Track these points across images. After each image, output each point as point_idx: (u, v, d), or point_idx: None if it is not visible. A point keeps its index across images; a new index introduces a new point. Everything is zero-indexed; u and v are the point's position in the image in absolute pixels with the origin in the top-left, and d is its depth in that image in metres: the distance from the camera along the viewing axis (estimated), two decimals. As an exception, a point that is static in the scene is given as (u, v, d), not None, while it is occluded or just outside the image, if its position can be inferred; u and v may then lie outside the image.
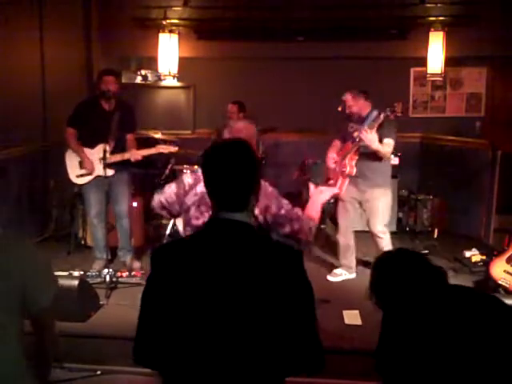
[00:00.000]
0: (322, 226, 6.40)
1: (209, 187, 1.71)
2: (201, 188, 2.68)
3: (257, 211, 2.56)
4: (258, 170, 1.73)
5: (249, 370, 1.57)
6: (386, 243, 4.78)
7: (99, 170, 4.61)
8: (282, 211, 2.58)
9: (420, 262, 1.97)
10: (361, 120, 4.70)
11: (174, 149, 4.84)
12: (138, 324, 1.66)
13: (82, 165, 4.77)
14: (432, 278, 1.92)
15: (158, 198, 2.80)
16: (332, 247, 5.26)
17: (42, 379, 1.98)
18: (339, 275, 4.88)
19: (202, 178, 2.70)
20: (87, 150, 4.74)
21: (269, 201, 2.58)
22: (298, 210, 2.68)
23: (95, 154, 4.69)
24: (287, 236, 2.61)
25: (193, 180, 2.74)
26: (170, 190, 2.75)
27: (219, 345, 1.57)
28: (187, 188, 2.73)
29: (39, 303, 1.89)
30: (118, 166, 4.71)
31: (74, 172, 4.80)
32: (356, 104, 4.72)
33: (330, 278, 4.82)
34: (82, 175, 4.78)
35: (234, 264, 1.59)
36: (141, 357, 1.67)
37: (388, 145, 4.53)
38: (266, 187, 2.63)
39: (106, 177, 4.51)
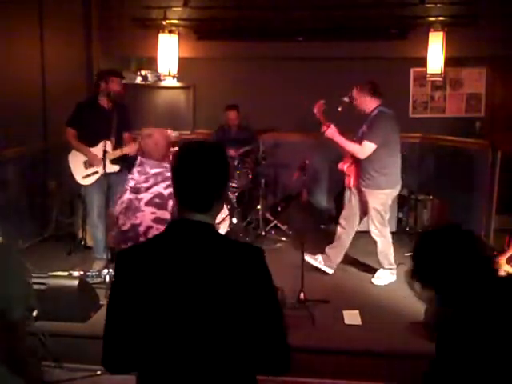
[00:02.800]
0: (322, 226, 6.40)
1: (176, 187, 1.71)
2: (127, 195, 2.90)
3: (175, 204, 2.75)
4: (227, 175, 1.74)
5: (215, 367, 1.59)
6: (380, 249, 4.77)
7: (106, 168, 4.61)
8: None
9: (469, 242, 1.84)
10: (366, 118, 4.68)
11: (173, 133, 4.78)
12: (105, 331, 1.68)
13: (86, 165, 4.78)
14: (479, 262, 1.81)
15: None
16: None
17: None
18: (315, 259, 4.88)
19: (128, 187, 2.92)
20: (90, 149, 4.76)
21: None
22: None
23: (98, 151, 4.69)
24: None
25: (120, 193, 3.00)
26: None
27: (187, 344, 1.59)
28: (116, 202, 3.01)
29: (8, 316, 1.88)
30: (119, 166, 4.73)
31: (80, 173, 4.79)
32: (359, 98, 4.66)
33: (306, 257, 4.70)
34: (88, 175, 4.78)
35: (197, 264, 1.61)
36: (111, 364, 1.68)
37: (365, 146, 4.53)
38: None
39: (106, 173, 4.51)
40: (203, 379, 1.59)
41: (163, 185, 2.82)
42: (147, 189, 2.85)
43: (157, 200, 2.79)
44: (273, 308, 1.64)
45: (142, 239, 2.75)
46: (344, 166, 4.79)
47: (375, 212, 4.66)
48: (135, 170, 2.99)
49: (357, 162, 4.70)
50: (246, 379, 1.66)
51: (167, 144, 3.00)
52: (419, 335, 3.75)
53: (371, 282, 4.78)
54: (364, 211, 4.79)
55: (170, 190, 2.75)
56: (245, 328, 1.59)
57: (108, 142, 4.62)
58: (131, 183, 2.94)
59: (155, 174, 2.85)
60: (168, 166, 2.84)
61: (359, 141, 4.62)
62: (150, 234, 2.74)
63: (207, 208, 1.68)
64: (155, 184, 2.83)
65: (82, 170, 4.79)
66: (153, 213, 2.77)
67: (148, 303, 1.61)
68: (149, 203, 2.79)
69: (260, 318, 1.60)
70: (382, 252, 4.77)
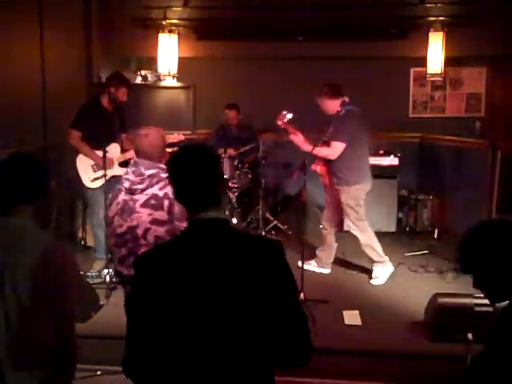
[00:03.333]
0: (320, 226, 6.40)
1: (180, 192, 1.75)
2: (122, 196, 2.87)
3: (170, 203, 2.74)
4: (220, 167, 1.83)
5: (239, 365, 1.61)
6: (363, 242, 4.78)
7: (114, 171, 4.62)
8: None
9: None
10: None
11: (179, 137, 4.76)
12: (127, 337, 1.65)
13: (94, 168, 4.78)
14: None
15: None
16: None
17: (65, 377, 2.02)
18: (309, 264, 4.91)
19: (122, 188, 2.88)
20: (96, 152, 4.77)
21: None
22: None
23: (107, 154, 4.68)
24: None
25: (112, 194, 2.96)
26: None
27: (212, 342, 1.60)
28: (108, 203, 2.96)
29: (60, 305, 1.93)
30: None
31: (88, 176, 4.81)
32: (320, 103, 4.75)
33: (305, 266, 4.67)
34: (96, 178, 4.78)
35: (219, 263, 1.63)
36: (132, 371, 1.67)
37: (334, 146, 4.58)
38: None
39: (114, 176, 4.53)
40: (225, 376, 1.61)
41: (158, 186, 2.82)
42: (142, 190, 2.84)
43: (152, 201, 2.78)
44: (292, 299, 1.69)
45: (142, 241, 2.74)
46: (317, 168, 4.81)
47: (349, 208, 4.71)
48: (129, 170, 2.96)
49: (327, 162, 4.74)
50: (265, 379, 1.69)
51: (163, 144, 3.00)
52: (419, 335, 3.75)
53: (370, 283, 4.78)
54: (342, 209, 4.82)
55: (165, 190, 2.77)
56: (267, 323, 1.62)
57: (116, 145, 4.66)
58: (126, 184, 2.91)
59: (150, 176, 2.84)
60: (163, 166, 2.84)
61: (327, 142, 4.66)
62: (150, 236, 2.73)
63: (217, 201, 1.72)
64: (150, 186, 2.82)
65: (90, 173, 4.80)
66: (149, 214, 2.76)
67: (173, 306, 1.60)
68: (144, 205, 2.78)
69: (284, 309, 1.64)
70: (367, 245, 4.78)
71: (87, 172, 4.80)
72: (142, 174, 2.87)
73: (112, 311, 4.09)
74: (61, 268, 1.93)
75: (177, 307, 1.60)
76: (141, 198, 2.82)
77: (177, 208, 2.70)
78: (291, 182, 5.92)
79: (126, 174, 2.95)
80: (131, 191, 2.86)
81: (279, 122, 4.70)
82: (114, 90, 4.78)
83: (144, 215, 2.76)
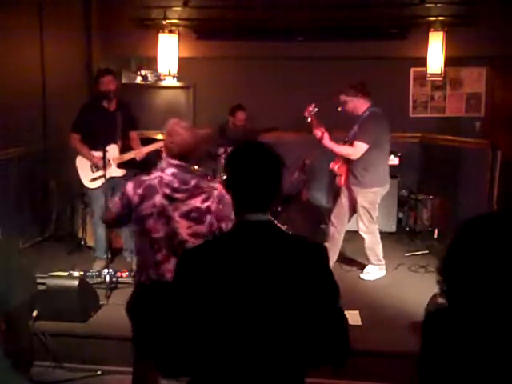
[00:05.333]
0: (322, 226, 6.40)
1: (234, 189, 1.74)
2: (159, 199, 2.65)
3: (212, 218, 2.63)
4: (282, 172, 1.80)
5: (276, 366, 1.63)
6: (367, 245, 4.83)
7: (112, 171, 4.61)
8: None
9: None
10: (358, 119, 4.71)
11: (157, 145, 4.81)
12: (164, 331, 1.65)
13: (93, 168, 4.78)
14: None
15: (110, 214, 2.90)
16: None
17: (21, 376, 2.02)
18: None
19: (160, 191, 2.65)
20: (94, 153, 4.75)
21: (229, 211, 2.54)
22: None
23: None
24: None
25: (142, 190, 2.68)
26: (115, 203, 2.82)
27: (249, 346, 1.61)
28: (137, 200, 2.67)
29: (9, 303, 1.92)
30: (125, 170, 4.74)
31: (87, 176, 4.81)
32: (351, 101, 4.69)
33: None
34: (94, 179, 4.79)
35: (261, 265, 1.64)
36: (167, 367, 1.66)
37: (357, 147, 4.56)
38: (225, 196, 2.62)
39: (111, 177, 4.53)
40: (263, 376, 1.62)
41: (200, 198, 2.65)
42: (184, 200, 2.65)
43: (194, 214, 2.63)
44: (335, 302, 1.75)
45: (178, 251, 2.60)
46: (335, 166, 4.83)
47: (363, 210, 4.72)
48: (169, 172, 2.68)
49: (347, 161, 4.74)
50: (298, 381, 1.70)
51: (196, 142, 2.76)
52: (419, 335, 3.74)
53: (360, 278, 4.87)
54: (354, 209, 4.83)
55: (208, 203, 2.65)
56: (308, 326, 1.64)
57: (114, 146, 4.64)
58: (166, 190, 2.65)
59: (195, 186, 2.65)
60: (204, 174, 2.76)
61: (351, 142, 4.65)
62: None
63: (267, 207, 1.72)
64: (193, 196, 2.64)
65: (89, 173, 4.81)
66: (189, 227, 2.62)
67: (214, 304, 1.61)
68: (184, 216, 2.63)
69: (325, 312, 1.69)
70: (370, 248, 4.84)
71: (86, 172, 4.81)
72: (186, 183, 2.67)
73: (112, 311, 4.09)
74: (5, 266, 1.94)
75: (218, 306, 1.61)
76: (181, 207, 2.65)
77: (215, 225, 2.64)
78: (291, 182, 5.91)
79: (166, 175, 2.68)
80: (171, 198, 2.65)
81: (306, 114, 4.71)
82: (99, 85, 4.80)
83: (182, 226, 2.63)
